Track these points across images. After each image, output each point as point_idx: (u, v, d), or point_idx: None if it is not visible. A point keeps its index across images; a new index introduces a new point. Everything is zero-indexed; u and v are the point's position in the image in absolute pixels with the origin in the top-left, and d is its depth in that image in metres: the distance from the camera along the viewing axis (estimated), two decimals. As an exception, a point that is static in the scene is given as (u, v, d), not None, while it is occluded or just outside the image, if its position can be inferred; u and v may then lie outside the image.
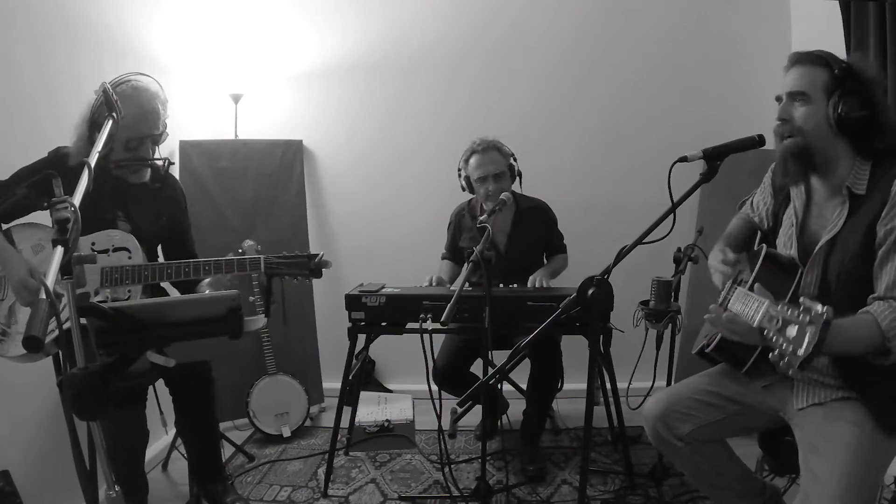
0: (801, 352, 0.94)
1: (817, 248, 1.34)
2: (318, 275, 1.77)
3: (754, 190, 1.68)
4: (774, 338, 1.01)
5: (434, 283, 2.32)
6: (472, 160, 2.32)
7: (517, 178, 2.40)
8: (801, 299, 0.99)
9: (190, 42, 2.81)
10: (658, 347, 1.99)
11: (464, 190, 2.42)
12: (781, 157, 1.36)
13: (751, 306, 1.15)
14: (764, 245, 1.45)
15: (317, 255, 1.77)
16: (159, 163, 1.76)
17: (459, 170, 2.39)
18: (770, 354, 1.02)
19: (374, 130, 3.05)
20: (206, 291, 1.79)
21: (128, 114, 1.52)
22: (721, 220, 1.69)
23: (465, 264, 1.87)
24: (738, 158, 1.38)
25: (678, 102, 2.95)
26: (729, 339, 1.30)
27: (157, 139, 1.74)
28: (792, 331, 0.97)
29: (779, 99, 1.38)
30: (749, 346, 1.31)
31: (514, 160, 2.38)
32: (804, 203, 1.43)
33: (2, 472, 1.70)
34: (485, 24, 2.95)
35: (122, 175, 1.74)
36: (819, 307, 0.95)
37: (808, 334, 0.94)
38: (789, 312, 1.00)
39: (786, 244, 1.45)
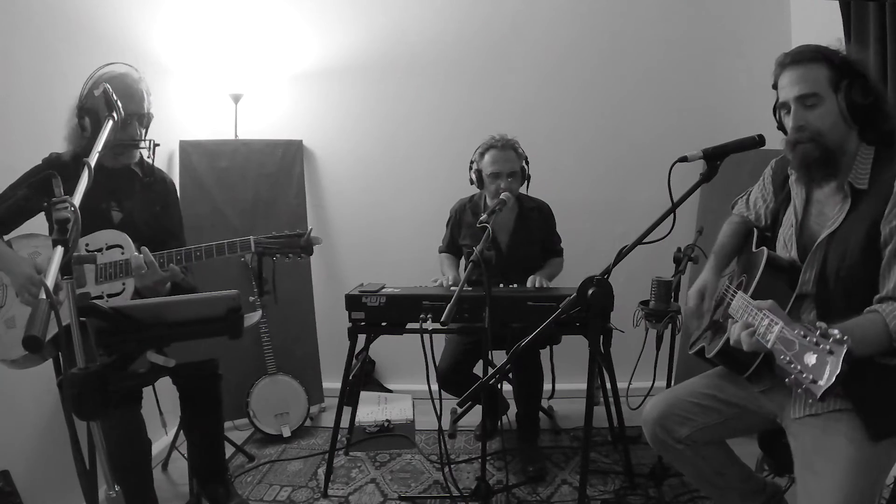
0: (822, 382, 0.90)
1: (817, 242, 1.33)
2: (310, 251, 1.81)
3: (749, 188, 1.66)
4: (791, 364, 0.96)
5: (449, 282, 2.25)
6: (489, 155, 2.30)
7: (526, 182, 2.40)
8: (818, 324, 0.95)
9: (190, 42, 2.81)
10: (658, 347, 1.99)
11: (472, 183, 2.40)
12: (803, 165, 1.32)
13: (760, 322, 1.09)
14: (765, 248, 1.42)
15: (305, 231, 1.81)
16: (145, 144, 1.80)
17: (472, 162, 2.37)
18: (786, 380, 0.97)
19: (374, 130, 3.05)
20: None
21: (116, 92, 1.50)
22: (721, 220, 1.68)
23: (466, 264, 1.87)
24: (738, 158, 1.38)
25: (678, 102, 2.95)
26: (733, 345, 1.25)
27: (143, 119, 1.78)
28: (811, 358, 0.93)
29: (784, 107, 1.34)
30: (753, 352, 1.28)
31: (526, 163, 2.38)
32: (804, 202, 1.41)
33: (2, 472, 1.70)
34: (485, 25, 2.95)
35: (107, 156, 1.74)
36: (837, 333, 0.90)
37: (829, 364, 0.89)
38: (807, 339, 0.95)
39: (786, 244, 1.44)
